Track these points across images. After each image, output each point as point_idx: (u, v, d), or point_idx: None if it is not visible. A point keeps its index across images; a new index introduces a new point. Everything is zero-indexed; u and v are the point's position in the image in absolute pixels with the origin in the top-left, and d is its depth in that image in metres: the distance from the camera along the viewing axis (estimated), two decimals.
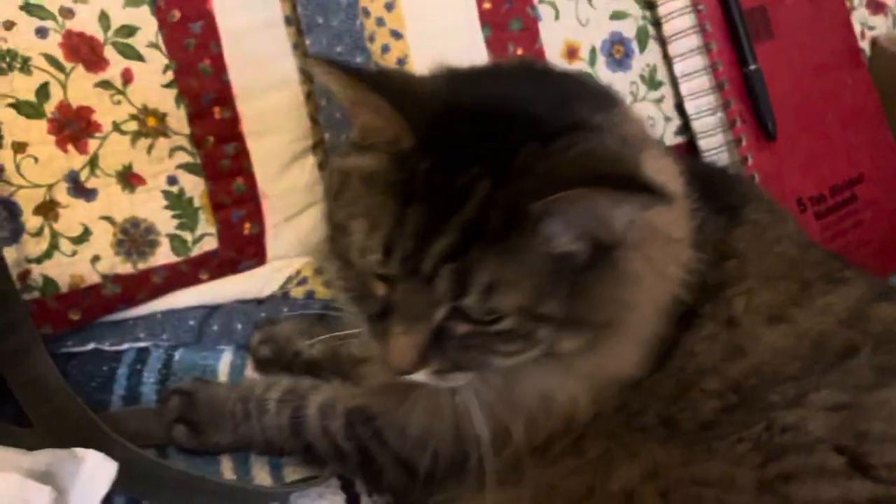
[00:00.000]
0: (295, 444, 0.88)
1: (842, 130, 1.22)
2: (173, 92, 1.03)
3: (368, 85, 0.64)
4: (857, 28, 1.38)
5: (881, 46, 1.37)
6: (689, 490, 0.66)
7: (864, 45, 1.39)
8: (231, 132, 1.07)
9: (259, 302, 1.12)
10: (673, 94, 1.21)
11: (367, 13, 1.06)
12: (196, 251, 1.07)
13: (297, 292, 1.12)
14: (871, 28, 1.43)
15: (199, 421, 0.91)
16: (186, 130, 1.04)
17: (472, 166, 0.63)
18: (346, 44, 1.07)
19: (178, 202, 1.05)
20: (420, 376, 0.68)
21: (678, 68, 1.13)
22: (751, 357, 0.74)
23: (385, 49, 1.09)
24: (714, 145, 1.15)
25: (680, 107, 1.18)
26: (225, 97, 1.06)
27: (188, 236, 1.06)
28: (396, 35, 1.09)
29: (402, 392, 0.79)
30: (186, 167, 1.05)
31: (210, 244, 1.08)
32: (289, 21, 1.13)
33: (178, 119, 1.03)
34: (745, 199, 0.87)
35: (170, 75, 1.02)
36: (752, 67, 1.13)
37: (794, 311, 0.76)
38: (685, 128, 1.21)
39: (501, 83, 0.77)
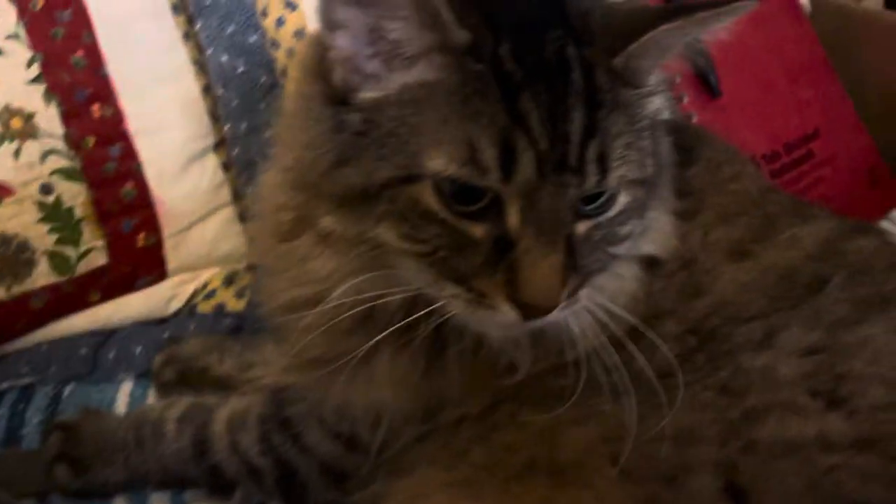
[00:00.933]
0: (199, 469, 0.75)
1: (790, 85, 1.14)
2: (41, 88, 0.91)
3: None
4: None
5: (820, 1, 1.30)
6: (642, 449, 0.55)
7: (804, 1, 1.32)
8: (115, 131, 0.95)
9: (161, 321, 0.99)
10: None
11: None
12: (82, 269, 0.93)
13: (205, 307, 0.99)
14: None
15: (83, 456, 0.77)
16: (60, 131, 0.92)
17: (548, 35, 0.56)
18: (238, 22, 0.96)
19: (55, 213, 0.91)
20: (556, 314, 0.56)
21: None
22: (710, 295, 0.65)
23: (280, 22, 0.98)
24: None
25: None
26: (104, 93, 0.95)
27: (71, 252, 0.92)
28: (291, 6, 0.99)
29: (341, 366, 0.65)
30: (63, 173, 0.92)
31: (98, 259, 0.94)
32: (176, 9, 1.02)
33: (48, 119, 0.91)
34: (698, 140, 0.79)
35: (35, 69, 0.90)
36: None
37: (756, 246, 0.68)
38: None
39: None
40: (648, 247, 0.65)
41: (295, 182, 0.64)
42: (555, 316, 0.56)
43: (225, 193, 1.04)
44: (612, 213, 0.58)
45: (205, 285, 1.00)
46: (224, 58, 0.97)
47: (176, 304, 0.99)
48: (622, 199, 0.58)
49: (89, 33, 0.94)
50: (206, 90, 1.03)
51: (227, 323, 0.98)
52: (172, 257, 0.99)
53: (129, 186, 0.96)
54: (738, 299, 0.64)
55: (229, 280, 1.01)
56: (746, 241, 0.68)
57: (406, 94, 0.56)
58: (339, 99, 0.58)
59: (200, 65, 1.03)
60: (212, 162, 1.03)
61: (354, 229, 0.59)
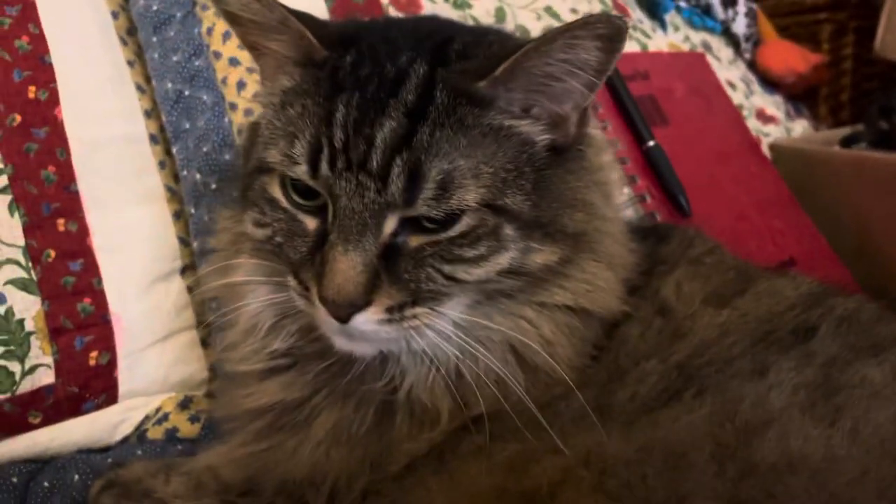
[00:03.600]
0: None
1: (760, 214, 1.15)
2: (7, 198, 0.89)
3: (285, 8, 0.63)
4: (752, 135, 1.37)
5: (781, 146, 1.36)
6: (628, 471, 0.51)
7: (763, 149, 1.38)
8: (78, 246, 0.92)
9: (105, 449, 0.90)
10: None
11: (234, 108, 0.98)
12: (25, 387, 0.86)
13: (156, 432, 0.91)
14: (767, 135, 1.43)
15: None
16: (20, 242, 0.89)
17: (401, 55, 0.61)
18: (213, 142, 0.97)
19: (4, 324, 0.85)
20: (370, 323, 0.57)
21: None
22: (691, 337, 0.64)
23: None
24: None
25: None
26: (71, 208, 0.93)
27: (16, 367, 0.86)
28: None
29: (285, 430, 0.66)
30: (17, 283, 0.87)
31: (44, 378, 0.87)
32: (154, 139, 1.05)
33: (9, 228, 0.88)
34: (673, 229, 0.83)
35: (3, 180, 0.89)
36: (651, 143, 1.07)
37: (734, 296, 0.68)
38: None
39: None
40: (567, 297, 0.64)
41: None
42: (369, 324, 0.57)
43: (188, 317, 0.99)
44: (451, 233, 0.58)
45: (157, 410, 0.93)
46: (198, 176, 0.97)
47: (124, 430, 0.91)
48: (465, 220, 0.58)
49: (63, 151, 0.94)
50: (177, 215, 1.03)
51: (178, 450, 0.89)
52: (125, 379, 0.92)
53: (86, 302, 0.91)
54: (720, 341, 0.62)
55: (184, 404, 0.93)
56: (722, 292, 0.68)
57: (275, 98, 0.64)
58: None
59: (173, 191, 1.04)
60: (177, 285, 1.00)
61: (243, 225, 0.68)
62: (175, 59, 1.01)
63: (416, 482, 0.59)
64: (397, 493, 0.60)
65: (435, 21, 0.77)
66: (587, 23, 0.55)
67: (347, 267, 0.56)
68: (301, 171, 0.58)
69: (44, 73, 0.96)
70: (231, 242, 0.74)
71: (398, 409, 0.63)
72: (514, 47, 0.57)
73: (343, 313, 0.57)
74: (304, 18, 0.64)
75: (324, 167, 0.58)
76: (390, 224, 0.58)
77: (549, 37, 0.56)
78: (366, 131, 0.56)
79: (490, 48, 0.63)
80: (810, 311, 0.65)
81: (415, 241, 0.58)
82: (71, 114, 0.96)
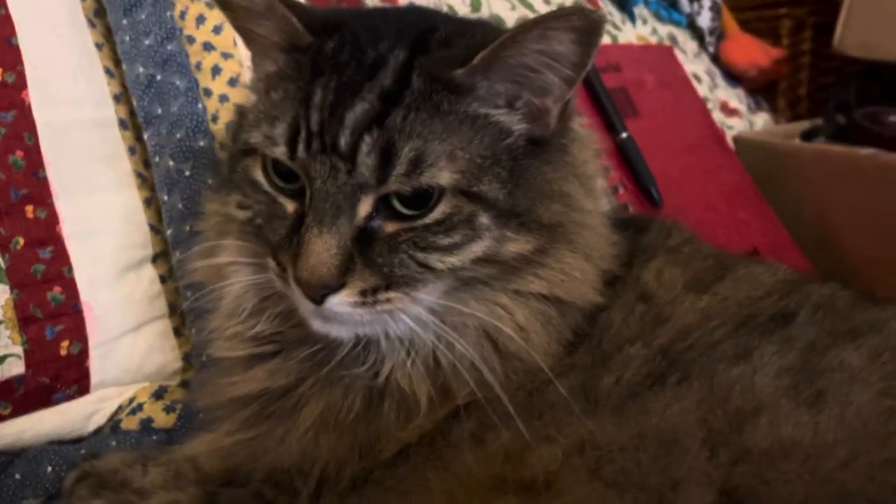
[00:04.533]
0: None
1: (727, 205, 1.18)
2: None
3: None
4: (718, 127, 1.40)
5: (744, 139, 1.39)
6: (624, 457, 0.52)
7: (728, 139, 1.41)
8: (47, 234, 0.90)
9: (78, 440, 0.88)
10: None
11: (208, 93, 0.97)
12: None
13: (130, 423, 0.89)
14: (730, 128, 1.47)
15: None
16: None
17: (382, 42, 0.61)
18: (186, 128, 0.95)
19: None
20: (344, 305, 0.58)
21: None
22: (673, 322, 0.65)
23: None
24: None
25: None
26: (40, 195, 0.91)
27: None
28: None
29: (273, 417, 0.66)
30: None
31: (14, 368, 0.85)
32: (124, 124, 1.03)
33: None
34: (651, 220, 0.84)
35: None
36: (624, 135, 1.09)
37: (714, 282, 0.70)
38: None
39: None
40: (542, 286, 0.64)
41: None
42: (342, 306, 0.58)
43: (161, 305, 0.98)
44: (426, 220, 0.59)
45: (131, 400, 0.91)
46: (171, 163, 0.96)
47: (97, 421, 0.89)
48: (441, 208, 0.59)
49: (31, 136, 0.92)
50: (148, 203, 1.01)
51: (153, 441, 0.88)
52: (97, 369, 0.90)
53: (56, 290, 0.89)
54: (702, 326, 0.64)
55: (158, 394, 0.92)
56: (702, 278, 0.70)
57: (261, 83, 0.66)
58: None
59: (143, 178, 1.02)
60: (149, 273, 0.98)
61: (227, 207, 0.69)
62: (147, 42, 0.99)
63: (409, 470, 0.60)
64: (391, 480, 0.61)
65: (421, 11, 0.78)
66: (561, 15, 0.56)
67: (321, 249, 0.57)
68: (280, 151, 0.60)
69: (10, 55, 0.93)
70: (217, 225, 0.75)
71: (385, 396, 0.64)
72: (494, 38, 0.58)
73: (316, 294, 0.58)
74: (291, 4, 0.65)
75: (300, 149, 0.59)
76: (365, 206, 0.59)
77: (525, 27, 0.57)
78: (339, 113, 0.58)
79: (473, 38, 0.63)
80: (788, 297, 0.68)
81: (390, 226, 0.59)
82: (38, 97, 0.94)
